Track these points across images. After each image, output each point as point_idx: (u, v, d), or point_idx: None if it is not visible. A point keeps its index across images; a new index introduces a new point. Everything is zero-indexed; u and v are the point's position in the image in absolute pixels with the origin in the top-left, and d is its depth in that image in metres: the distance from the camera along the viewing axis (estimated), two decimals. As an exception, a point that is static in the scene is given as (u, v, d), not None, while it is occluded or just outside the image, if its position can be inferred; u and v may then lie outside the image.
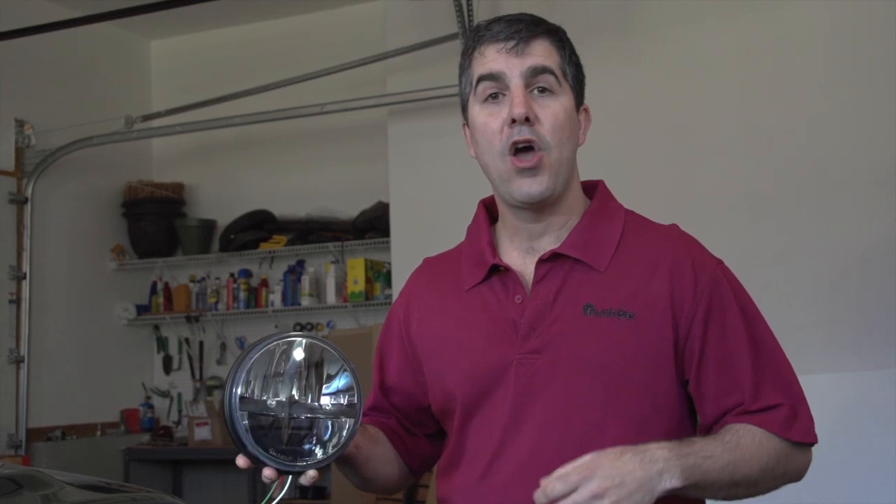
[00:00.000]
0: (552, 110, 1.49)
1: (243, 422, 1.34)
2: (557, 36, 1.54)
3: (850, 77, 3.97)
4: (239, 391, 1.34)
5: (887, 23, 3.90)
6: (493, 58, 1.51)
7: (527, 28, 1.51)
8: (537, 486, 1.43)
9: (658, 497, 1.34)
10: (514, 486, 1.47)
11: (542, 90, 1.50)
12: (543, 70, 1.49)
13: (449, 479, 1.58)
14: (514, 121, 1.48)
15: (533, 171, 1.48)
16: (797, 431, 1.47)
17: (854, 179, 3.91)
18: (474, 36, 1.55)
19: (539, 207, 1.53)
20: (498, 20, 1.54)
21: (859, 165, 3.91)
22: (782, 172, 4.02)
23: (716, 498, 1.44)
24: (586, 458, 1.33)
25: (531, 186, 1.49)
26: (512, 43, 1.50)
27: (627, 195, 1.63)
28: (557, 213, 1.55)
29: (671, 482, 1.34)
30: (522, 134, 1.48)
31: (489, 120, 1.51)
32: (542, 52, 1.51)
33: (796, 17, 4.07)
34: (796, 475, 1.51)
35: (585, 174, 1.63)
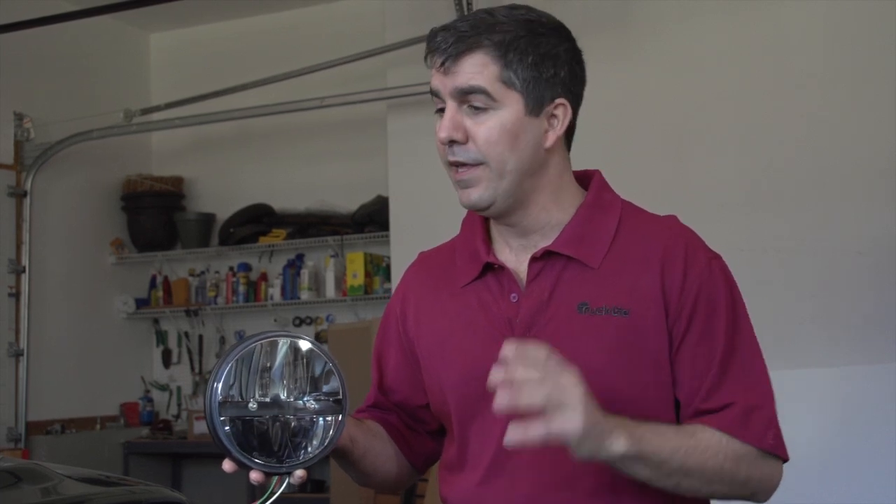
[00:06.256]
0: (486, 126, 1.45)
1: (224, 427, 1.33)
2: (498, 43, 1.45)
3: (848, 73, 3.97)
4: (218, 397, 1.33)
5: (885, 18, 3.90)
6: (433, 73, 1.49)
7: (456, 43, 1.45)
8: (539, 491, 1.44)
9: (608, 466, 1.34)
10: (515, 491, 1.47)
11: (476, 108, 1.46)
12: (471, 90, 1.45)
13: (451, 481, 1.57)
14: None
15: (465, 181, 1.47)
16: (749, 434, 1.42)
17: (852, 174, 3.91)
18: (426, 44, 1.52)
19: (498, 216, 1.52)
20: (444, 28, 1.49)
21: (858, 160, 3.91)
22: (781, 168, 4.02)
23: (668, 485, 1.39)
24: (571, 376, 1.29)
25: (468, 195, 1.48)
26: (440, 60, 1.46)
27: (625, 191, 1.62)
28: (525, 216, 1.52)
29: (616, 445, 1.31)
30: (454, 155, 1.47)
31: (437, 133, 1.50)
32: (472, 69, 1.45)
33: (794, 14, 4.07)
34: (762, 489, 1.46)
35: (584, 168, 1.62)
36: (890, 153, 3.85)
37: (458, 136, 1.45)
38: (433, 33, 1.49)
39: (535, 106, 1.47)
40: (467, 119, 1.46)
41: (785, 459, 1.47)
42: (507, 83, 1.45)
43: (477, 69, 1.45)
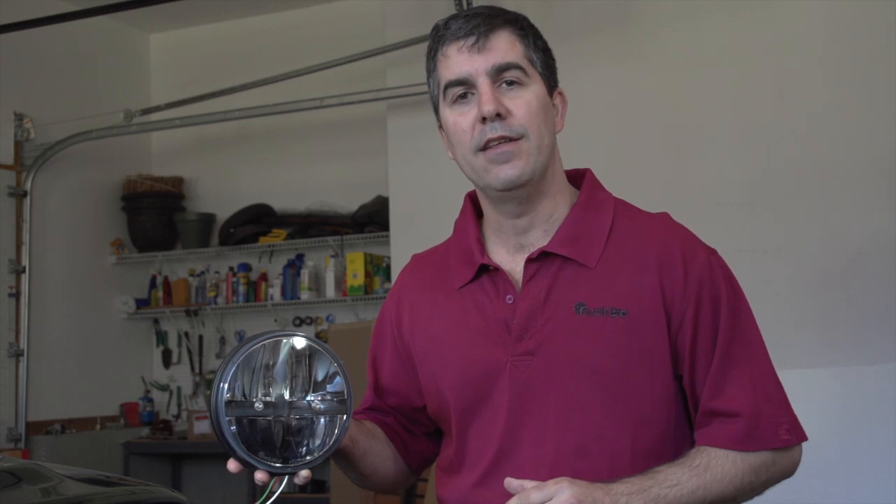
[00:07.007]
0: (524, 100, 1.47)
1: (231, 427, 1.33)
2: (518, 24, 1.51)
3: (847, 72, 3.97)
4: (224, 396, 1.33)
5: (885, 18, 3.90)
6: (456, 59, 1.48)
7: (485, 22, 1.48)
8: None
9: None
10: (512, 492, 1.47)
11: (511, 83, 1.48)
12: (508, 66, 1.47)
13: (449, 481, 1.57)
14: (484, 118, 1.46)
15: (507, 154, 1.46)
16: (761, 442, 1.44)
17: (851, 175, 3.91)
18: (434, 36, 1.52)
19: (520, 196, 1.50)
20: (455, 17, 1.51)
21: (857, 161, 3.91)
22: (780, 168, 4.02)
23: None
24: (557, 479, 1.34)
25: (507, 171, 1.46)
26: (472, 39, 1.47)
27: (624, 190, 1.62)
28: (541, 204, 1.52)
29: None
30: (495, 131, 1.46)
31: (459, 119, 1.49)
32: (504, 46, 1.48)
33: (794, 14, 4.07)
34: (785, 475, 1.50)
35: (581, 167, 1.62)
36: (890, 153, 3.85)
37: (502, 110, 1.46)
38: (443, 24, 1.51)
39: (550, 88, 1.53)
40: (503, 96, 1.47)
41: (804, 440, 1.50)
42: (531, 62, 1.50)
43: (509, 46, 1.48)
